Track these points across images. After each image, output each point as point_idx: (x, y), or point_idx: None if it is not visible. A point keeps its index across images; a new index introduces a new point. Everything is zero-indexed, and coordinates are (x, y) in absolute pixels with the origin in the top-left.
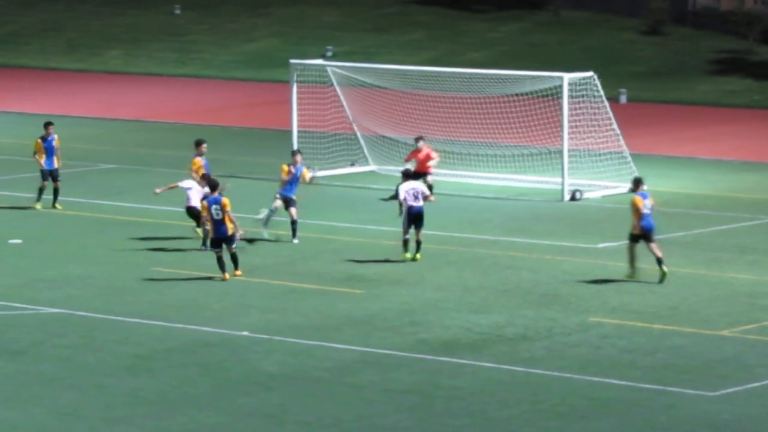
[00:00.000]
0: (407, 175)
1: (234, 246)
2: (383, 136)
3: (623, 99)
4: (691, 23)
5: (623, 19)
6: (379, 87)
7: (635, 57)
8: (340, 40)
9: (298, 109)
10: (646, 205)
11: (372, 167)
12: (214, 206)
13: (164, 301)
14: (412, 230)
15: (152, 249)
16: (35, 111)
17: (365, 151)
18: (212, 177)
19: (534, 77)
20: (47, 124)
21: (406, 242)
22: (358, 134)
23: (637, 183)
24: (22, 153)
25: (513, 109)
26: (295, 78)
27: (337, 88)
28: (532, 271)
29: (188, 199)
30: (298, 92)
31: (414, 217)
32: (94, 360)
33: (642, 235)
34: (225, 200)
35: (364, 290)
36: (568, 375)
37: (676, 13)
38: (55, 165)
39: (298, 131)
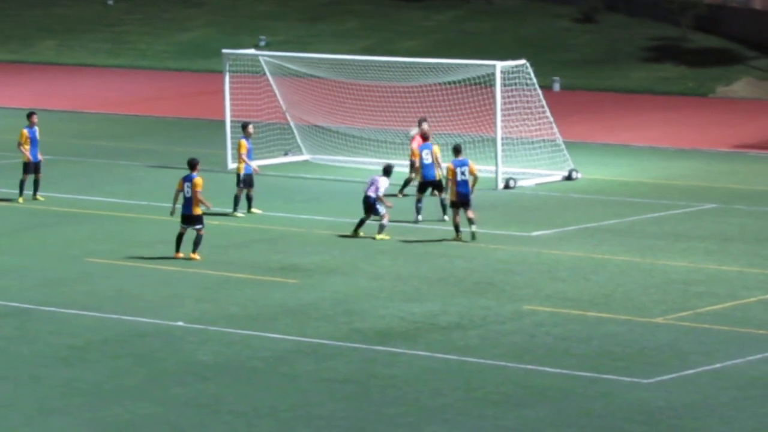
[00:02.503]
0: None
1: (201, 228)
2: (317, 126)
3: (557, 87)
4: (625, 10)
5: (557, 7)
6: (312, 76)
7: (569, 44)
8: (273, 30)
9: (231, 99)
10: (460, 172)
11: (306, 156)
12: (186, 184)
13: (99, 291)
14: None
15: (86, 240)
16: None
17: (299, 140)
18: (193, 157)
19: (467, 65)
20: (30, 114)
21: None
22: (292, 124)
23: (456, 151)
24: None
25: (446, 98)
26: (227, 68)
27: (270, 78)
28: (466, 259)
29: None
30: (231, 82)
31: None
32: (29, 351)
33: (459, 202)
34: (197, 180)
35: (299, 280)
36: (502, 363)
37: (610, 0)
38: (39, 156)
39: (232, 121)
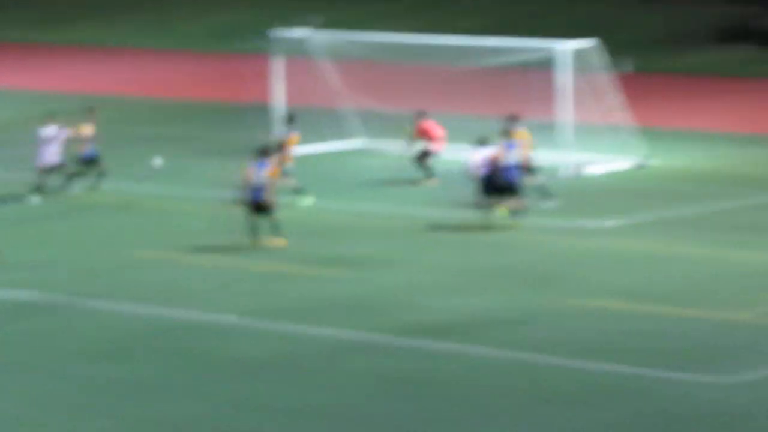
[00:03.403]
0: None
1: (274, 215)
2: (371, 111)
3: (629, 69)
4: None
5: None
6: (365, 58)
7: (639, 24)
8: (324, 10)
9: (279, 83)
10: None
11: (361, 143)
12: (259, 170)
13: (146, 283)
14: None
15: (133, 231)
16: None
17: (352, 126)
18: (265, 143)
19: (530, 47)
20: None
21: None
22: (344, 109)
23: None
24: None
25: (508, 81)
26: (275, 50)
27: (321, 61)
28: (530, 250)
29: None
30: (279, 65)
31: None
32: (72, 346)
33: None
34: (273, 167)
35: (354, 272)
36: (570, 361)
37: None
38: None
39: (279, 107)
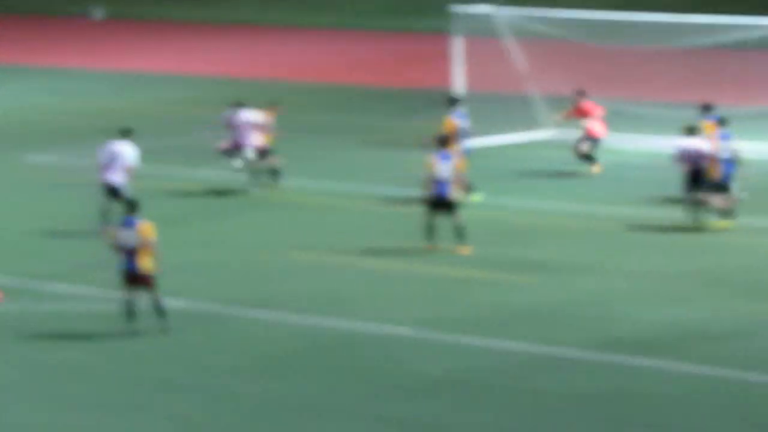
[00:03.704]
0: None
1: (458, 214)
2: (563, 97)
3: None
4: None
5: None
6: (558, 38)
7: None
8: None
9: (461, 65)
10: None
11: (551, 133)
12: (443, 162)
13: (305, 291)
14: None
15: (290, 231)
16: (151, 69)
17: (541, 114)
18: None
19: (747, 25)
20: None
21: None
22: (533, 95)
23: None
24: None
25: (722, 63)
26: (457, 29)
27: (508, 41)
28: (743, 256)
29: None
30: (460, 45)
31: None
32: (222, 361)
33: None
34: (456, 160)
35: (543, 279)
36: None
37: None
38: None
39: (462, 92)
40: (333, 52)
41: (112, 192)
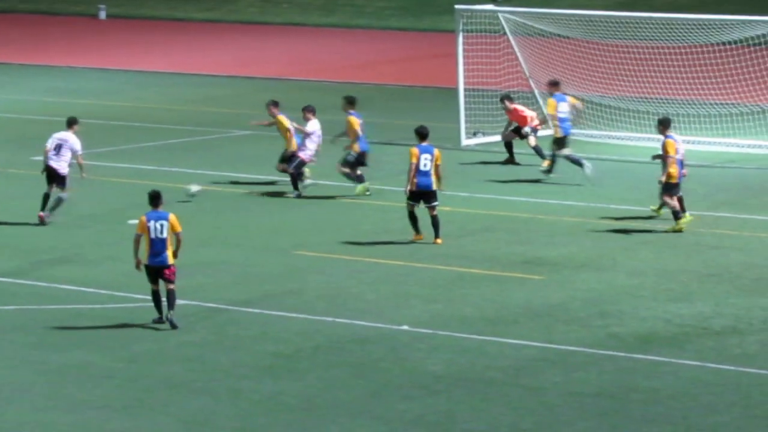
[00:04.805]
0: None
1: (436, 204)
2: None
3: None
4: None
5: None
6: (560, 36)
7: None
8: None
9: (465, 63)
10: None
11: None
12: (425, 156)
13: (309, 289)
14: None
15: (295, 229)
16: (156, 69)
17: (544, 110)
18: (422, 125)
19: (745, 21)
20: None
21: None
22: (536, 92)
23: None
24: (141, 118)
25: (719, 61)
26: (461, 27)
27: (511, 38)
28: (744, 251)
29: None
30: (465, 43)
31: None
32: (228, 360)
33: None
34: (437, 152)
35: (545, 275)
36: None
37: None
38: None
39: (466, 89)
40: (344, 51)
41: (53, 176)
